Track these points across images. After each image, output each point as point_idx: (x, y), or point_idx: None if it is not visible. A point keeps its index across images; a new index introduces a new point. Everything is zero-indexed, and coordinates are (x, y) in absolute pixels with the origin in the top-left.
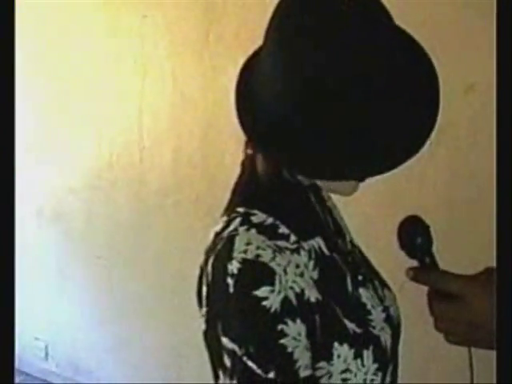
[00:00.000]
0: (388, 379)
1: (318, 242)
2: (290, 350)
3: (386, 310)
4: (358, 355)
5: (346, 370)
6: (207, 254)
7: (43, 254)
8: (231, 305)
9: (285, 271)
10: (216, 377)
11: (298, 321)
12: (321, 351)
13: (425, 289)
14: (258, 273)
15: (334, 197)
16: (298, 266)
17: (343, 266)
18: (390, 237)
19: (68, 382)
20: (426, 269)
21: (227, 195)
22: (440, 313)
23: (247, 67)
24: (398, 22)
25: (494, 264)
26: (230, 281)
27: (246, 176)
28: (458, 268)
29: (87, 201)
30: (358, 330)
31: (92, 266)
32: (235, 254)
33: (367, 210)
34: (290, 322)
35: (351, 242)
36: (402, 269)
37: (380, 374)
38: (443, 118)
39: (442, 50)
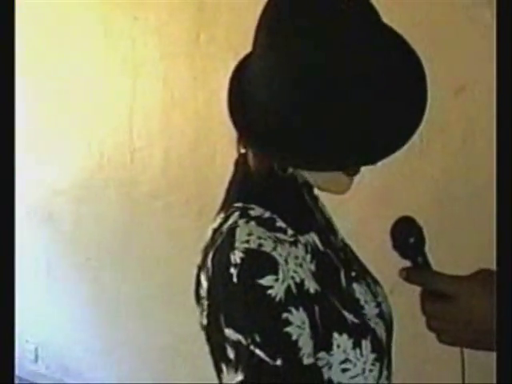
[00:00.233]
0: (385, 372)
1: (312, 237)
2: (294, 337)
3: (378, 305)
4: (356, 345)
5: (346, 360)
6: (205, 251)
7: (33, 256)
8: (235, 295)
9: (286, 261)
10: (219, 372)
11: (301, 309)
12: (321, 341)
13: (416, 290)
14: (261, 262)
15: (329, 197)
16: (296, 258)
17: (337, 261)
18: (382, 238)
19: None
20: (418, 269)
21: (219, 196)
22: (432, 312)
23: (239, 68)
24: (389, 23)
25: (487, 264)
26: (233, 271)
27: (240, 174)
28: (450, 268)
29: (78, 202)
30: (356, 321)
31: (82, 267)
32: (237, 245)
33: (359, 211)
34: (294, 311)
35: (342, 240)
36: (394, 270)
37: (378, 364)
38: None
39: (432, 51)
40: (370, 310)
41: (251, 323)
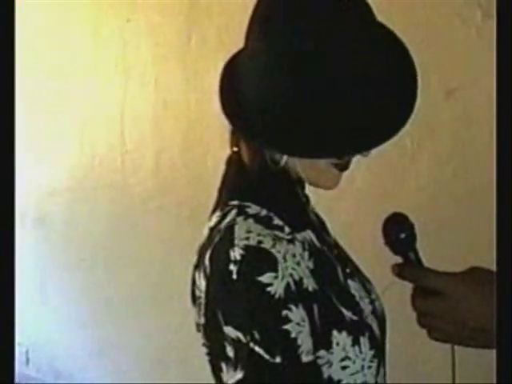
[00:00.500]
0: (381, 370)
1: (309, 235)
2: (293, 335)
3: (372, 302)
4: (355, 342)
5: (346, 358)
6: (201, 250)
7: (25, 257)
8: (235, 292)
9: (285, 259)
10: (219, 371)
11: (300, 307)
12: (320, 340)
13: (408, 292)
14: (261, 259)
15: (319, 199)
16: (294, 256)
17: (333, 258)
18: (373, 239)
19: None
20: (410, 265)
21: (211, 198)
22: (423, 309)
23: (231, 61)
24: None
25: (478, 262)
26: (232, 267)
27: (234, 172)
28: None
29: (70, 203)
30: (355, 317)
31: (74, 269)
32: (237, 242)
33: (350, 213)
34: (293, 308)
35: (334, 239)
36: (386, 271)
37: (376, 360)
38: (425, 120)
39: (423, 53)
40: (365, 306)
41: (251, 320)
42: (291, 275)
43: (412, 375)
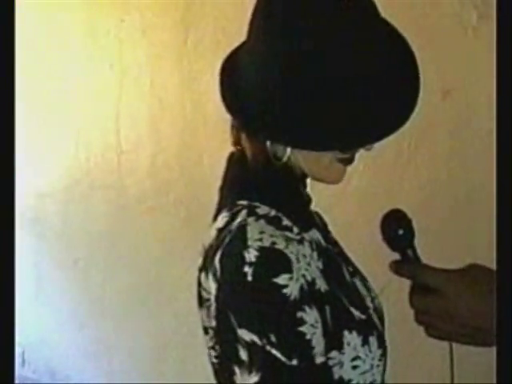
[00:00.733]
0: (386, 368)
1: (315, 234)
2: (308, 336)
3: (373, 300)
4: (365, 342)
5: (356, 358)
6: (209, 251)
7: (20, 257)
8: (250, 294)
9: (297, 259)
10: (231, 374)
11: (314, 308)
12: (332, 340)
13: (406, 290)
14: (276, 260)
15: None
16: (305, 256)
17: (337, 256)
18: (371, 240)
19: None
20: (407, 262)
21: (206, 199)
22: (421, 306)
23: (231, 55)
24: None
25: (475, 259)
26: (247, 269)
27: (237, 171)
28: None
29: (65, 204)
30: (363, 316)
31: (70, 269)
32: (250, 243)
33: (348, 214)
34: (308, 309)
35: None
36: (384, 269)
37: (383, 359)
38: (423, 121)
39: (419, 54)
40: (369, 304)
41: (266, 323)
42: (304, 276)
43: (410, 374)
